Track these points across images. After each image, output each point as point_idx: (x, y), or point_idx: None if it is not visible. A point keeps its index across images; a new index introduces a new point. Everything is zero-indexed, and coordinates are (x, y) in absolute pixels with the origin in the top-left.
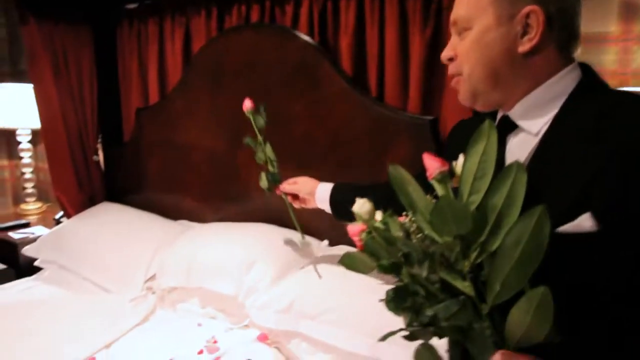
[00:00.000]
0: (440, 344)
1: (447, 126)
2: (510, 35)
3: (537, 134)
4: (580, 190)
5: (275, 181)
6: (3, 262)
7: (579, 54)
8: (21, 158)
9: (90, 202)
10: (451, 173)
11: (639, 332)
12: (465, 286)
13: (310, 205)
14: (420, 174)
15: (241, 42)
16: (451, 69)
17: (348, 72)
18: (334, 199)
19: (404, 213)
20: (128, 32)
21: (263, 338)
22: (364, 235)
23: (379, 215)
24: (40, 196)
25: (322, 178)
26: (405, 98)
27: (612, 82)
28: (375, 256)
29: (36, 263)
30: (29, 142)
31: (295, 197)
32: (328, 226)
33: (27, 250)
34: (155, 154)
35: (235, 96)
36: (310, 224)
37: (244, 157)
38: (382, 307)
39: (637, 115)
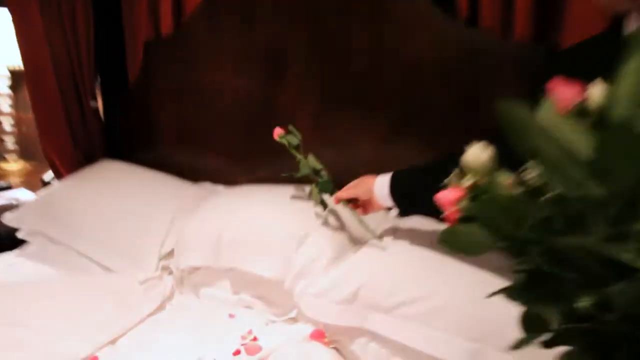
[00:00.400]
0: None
1: None
2: None
3: None
4: None
5: (327, 190)
6: None
7: None
8: None
9: (86, 160)
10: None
11: None
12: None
13: (374, 209)
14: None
15: None
16: None
17: None
18: (394, 190)
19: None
20: None
21: (317, 336)
22: (464, 202)
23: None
24: (24, 153)
25: (385, 134)
26: (509, 20)
27: None
28: (492, 228)
29: (18, 234)
30: (9, 87)
31: (356, 203)
32: None
33: (7, 219)
34: (168, 99)
35: (274, 23)
36: None
37: (285, 97)
38: (486, 299)
39: None
